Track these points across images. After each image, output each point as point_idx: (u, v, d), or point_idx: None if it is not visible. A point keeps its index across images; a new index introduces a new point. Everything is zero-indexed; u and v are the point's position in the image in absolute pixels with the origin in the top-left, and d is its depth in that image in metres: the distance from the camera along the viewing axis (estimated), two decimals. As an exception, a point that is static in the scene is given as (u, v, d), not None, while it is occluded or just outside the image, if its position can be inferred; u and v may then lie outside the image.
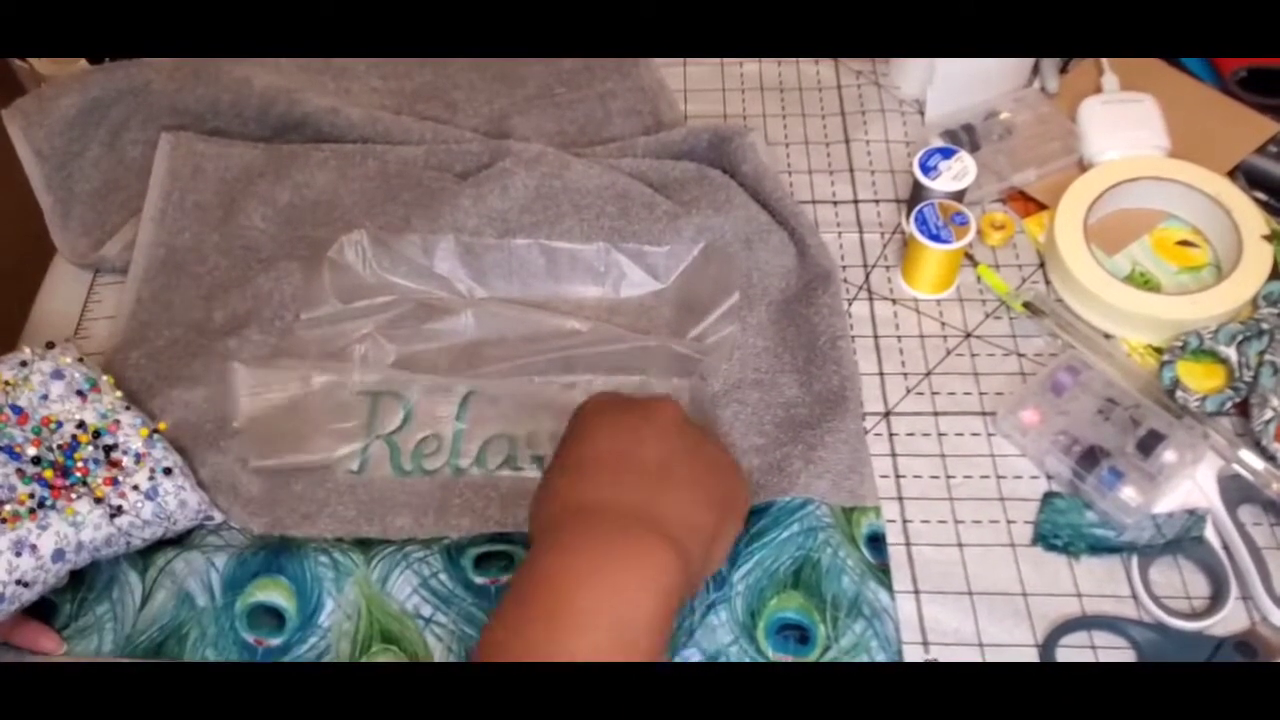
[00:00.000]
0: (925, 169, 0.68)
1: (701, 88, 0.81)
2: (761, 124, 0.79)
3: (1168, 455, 0.58)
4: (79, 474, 0.55)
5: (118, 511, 0.54)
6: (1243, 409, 0.61)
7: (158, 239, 0.70)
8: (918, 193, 0.68)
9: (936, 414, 0.63)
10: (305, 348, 0.66)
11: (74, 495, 0.53)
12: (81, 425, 0.56)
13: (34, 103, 0.71)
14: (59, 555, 0.52)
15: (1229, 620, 0.55)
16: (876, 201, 0.74)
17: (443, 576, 0.56)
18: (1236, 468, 0.58)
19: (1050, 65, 0.78)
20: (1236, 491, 0.58)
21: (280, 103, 0.73)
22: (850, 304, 0.68)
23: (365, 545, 0.58)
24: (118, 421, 0.57)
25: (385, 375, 0.64)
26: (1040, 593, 0.56)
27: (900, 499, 0.60)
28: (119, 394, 0.58)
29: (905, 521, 0.59)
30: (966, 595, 0.56)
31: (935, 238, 0.65)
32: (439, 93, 0.79)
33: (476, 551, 0.58)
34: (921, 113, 0.78)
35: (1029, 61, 0.78)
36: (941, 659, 0.55)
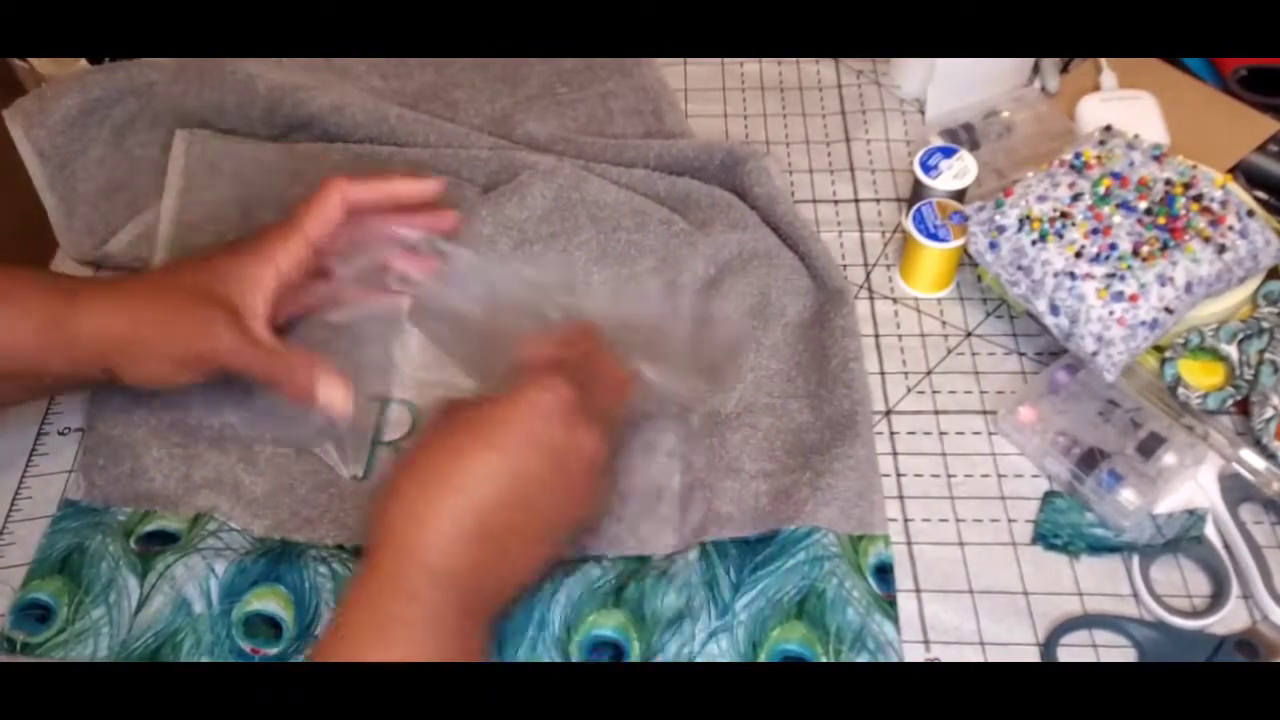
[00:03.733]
0: (926, 168, 0.68)
1: (702, 87, 0.81)
2: (762, 123, 0.79)
3: (1168, 458, 0.58)
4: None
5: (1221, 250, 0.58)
6: (1243, 407, 0.61)
7: (175, 238, 0.70)
8: (919, 192, 0.68)
9: (937, 413, 0.63)
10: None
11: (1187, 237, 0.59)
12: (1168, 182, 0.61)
13: (35, 103, 0.71)
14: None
15: (1230, 619, 0.55)
16: (877, 200, 0.74)
17: None
18: (1237, 467, 0.58)
19: (1050, 65, 0.78)
20: (1237, 490, 0.58)
21: (286, 103, 0.73)
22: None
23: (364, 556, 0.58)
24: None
25: (394, 380, 0.64)
26: (1041, 591, 0.56)
27: (901, 498, 0.60)
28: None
29: (906, 520, 0.59)
30: (968, 594, 0.57)
31: (933, 236, 0.65)
32: (440, 92, 0.79)
33: None
34: (922, 112, 0.78)
35: (1029, 61, 0.78)
36: (943, 657, 0.55)
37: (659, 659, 0.54)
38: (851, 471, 0.58)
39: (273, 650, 0.55)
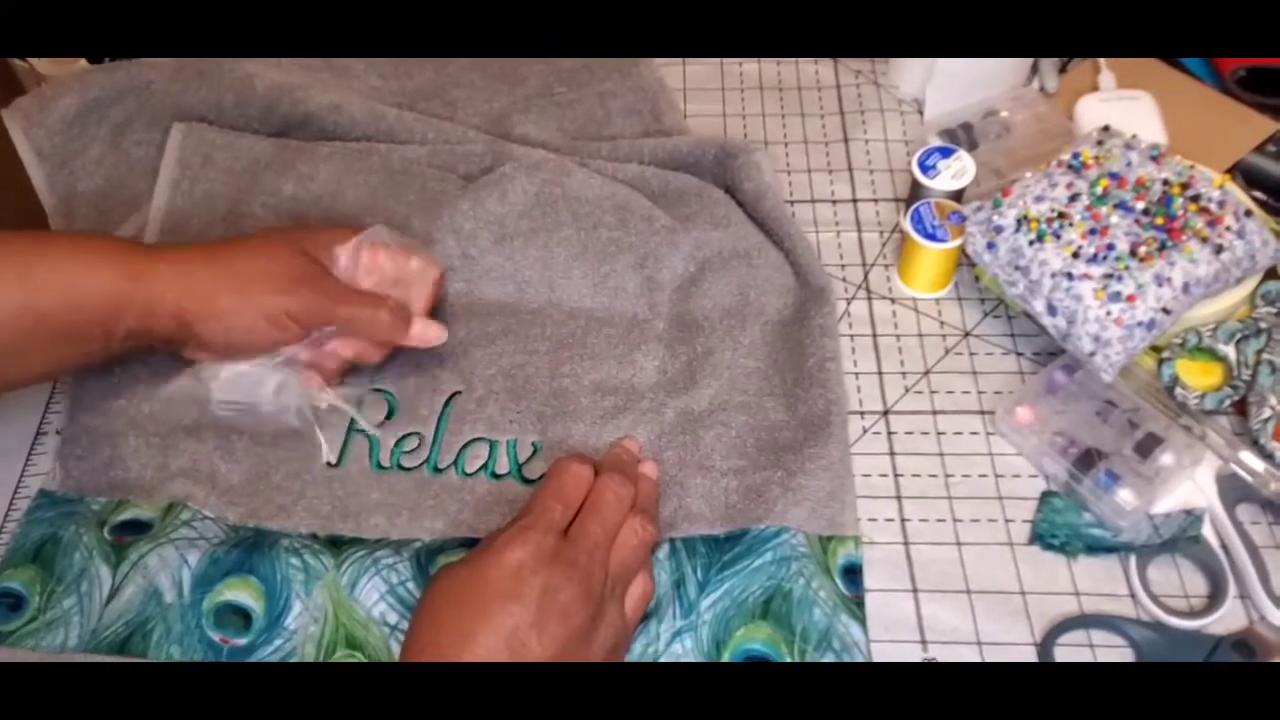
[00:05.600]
0: (924, 168, 0.68)
1: (701, 87, 0.81)
2: (761, 123, 0.79)
3: (1165, 458, 0.58)
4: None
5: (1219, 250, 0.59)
6: (1241, 408, 0.61)
7: (164, 228, 0.70)
8: (917, 192, 0.68)
9: (935, 413, 0.63)
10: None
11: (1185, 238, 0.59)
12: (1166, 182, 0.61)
13: (34, 102, 0.71)
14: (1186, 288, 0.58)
15: (1227, 619, 0.55)
16: (875, 200, 0.74)
17: (410, 585, 0.56)
18: (1234, 467, 0.58)
19: (1049, 64, 0.78)
20: (1235, 490, 0.58)
21: (284, 102, 0.73)
22: (849, 303, 0.69)
23: (336, 547, 0.58)
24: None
25: (373, 373, 0.65)
26: (1039, 591, 0.56)
27: (899, 498, 0.60)
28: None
29: (904, 520, 0.59)
30: (965, 594, 0.57)
31: (931, 237, 0.65)
32: (439, 92, 0.79)
33: (445, 560, 0.57)
34: (920, 112, 0.79)
35: (1028, 61, 0.78)
36: (940, 657, 0.55)
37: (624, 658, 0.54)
38: (823, 472, 0.59)
39: (242, 641, 0.55)
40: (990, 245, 0.62)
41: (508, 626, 0.46)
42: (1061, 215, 0.61)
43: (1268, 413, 0.59)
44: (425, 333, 0.62)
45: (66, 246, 0.56)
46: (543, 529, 0.50)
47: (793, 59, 0.83)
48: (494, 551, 0.49)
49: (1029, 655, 0.55)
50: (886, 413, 0.64)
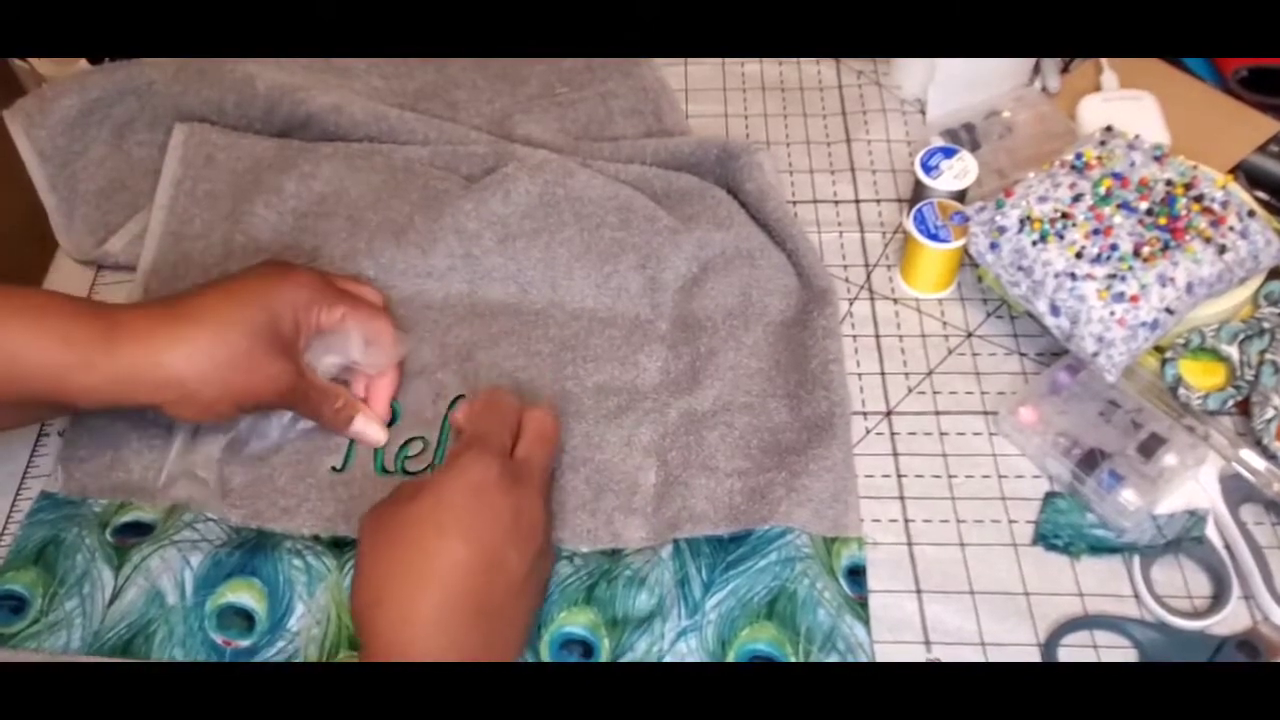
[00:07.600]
0: (927, 168, 0.68)
1: (702, 87, 0.81)
2: (762, 123, 0.79)
3: (1168, 459, 0.58)
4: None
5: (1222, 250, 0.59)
6: (1244, 408, 0.61)
7: (167, 227, 0.70)
8: (919, 192, 0.68)
9: (938, 413, 0.63)
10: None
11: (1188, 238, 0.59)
12: (1169, 183, 0.61)
13: (35, 103, 0.71)
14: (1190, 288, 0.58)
15: (1231, 619, 0.55)
16: (878, 201, 0.74)
17: None
18: (1237, 467, 0.58)
19: (1051, 64, 0.78)
20: (1238, 491, 0.58)
21: (285, 103, 0.73)
22: (852, 303, 0.69)
23: (339, 548, 0.58)
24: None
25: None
26: (1042, 592, 0.56)
27: (902, 498, 0.60)
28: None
29: (907, 521, 0.59)
30: (968, 594, 0.57)
31: (934, 237, 0.65)
32: (440, 92, 0.79)
33: None
34: (922, 112, 0.78)
35: (1030, 61, 0.78)
36: (943, 658, 0.55)
37: (628, 657, 0.54)
38: (827, 473, 0.58)
39: (245, 642, 0.55)
40: (993, 245, 0.62)
41: (485, 540, 0.49)
42: (1065, 215, 0.61)
43: (1271, 413, 0.59)
44: (365, 431, 0.62)
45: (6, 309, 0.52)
46: (494, 451, 0.52)
47: (794, 59, 0.83)
48: (456, 472, 0.50)
49: (1033, 656, 0.54)
50: (889, 413, 0.64)
